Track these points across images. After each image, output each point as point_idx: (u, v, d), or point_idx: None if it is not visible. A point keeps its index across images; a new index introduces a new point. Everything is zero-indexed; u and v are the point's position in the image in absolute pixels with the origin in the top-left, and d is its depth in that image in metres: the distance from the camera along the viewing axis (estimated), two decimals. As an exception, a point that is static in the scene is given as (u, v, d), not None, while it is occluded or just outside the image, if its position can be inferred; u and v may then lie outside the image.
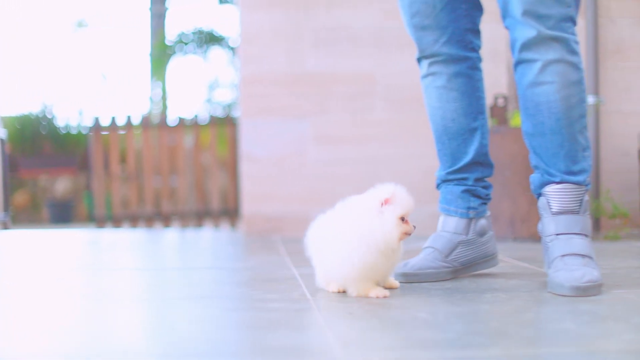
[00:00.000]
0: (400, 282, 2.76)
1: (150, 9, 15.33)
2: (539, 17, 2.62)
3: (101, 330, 2.08)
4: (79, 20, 15.70)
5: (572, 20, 2.68)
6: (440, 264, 2.92)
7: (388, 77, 5.42)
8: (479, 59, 3.00)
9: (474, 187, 3.02)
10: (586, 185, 2.76)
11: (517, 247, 4.20)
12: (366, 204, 2.47)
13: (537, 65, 2.67)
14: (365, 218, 2.44)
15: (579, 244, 2.67)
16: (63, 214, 10.84)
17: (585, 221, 2.73)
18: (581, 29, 5.44)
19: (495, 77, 5.31)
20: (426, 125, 5.25)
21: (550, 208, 2.73)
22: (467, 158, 3.02)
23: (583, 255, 2.63)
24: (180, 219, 8.88)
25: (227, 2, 13.87)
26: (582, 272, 2.53)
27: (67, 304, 2.52)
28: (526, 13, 2.62)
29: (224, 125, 8.91)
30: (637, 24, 5.49)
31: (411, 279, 2.84)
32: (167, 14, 15.41)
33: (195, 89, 20.85)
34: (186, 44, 13.31)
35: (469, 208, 3.01)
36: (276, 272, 3.22)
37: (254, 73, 5.39)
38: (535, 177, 2.81)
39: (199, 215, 8.91)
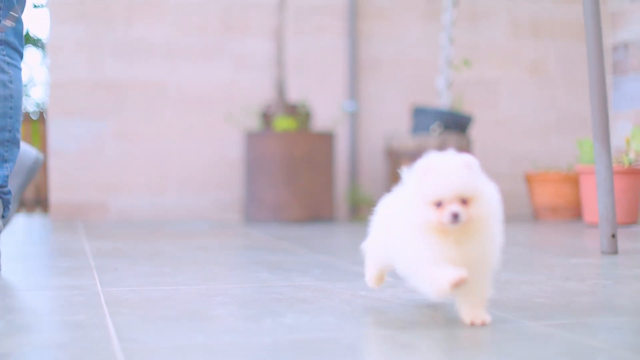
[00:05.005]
0: None
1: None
2: None
3: None
4: None
5: (5, 43, 2.98)
6: None
7: (178, 84, 6.30)
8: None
9: None
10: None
11: (279, 227, 5.17)
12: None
13: None
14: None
15: None
16: None
17: None
18: (342, 48, 6.50)
19: (263, 88, 6.30)
20: (207, 125, 6.20)
21: None
22: None
23: None
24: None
25: (42, 6, 14.31)
26: None
27: None
28: None
29: (38, 121, 9.54)
30: (387, 42, 6.60)
31: None
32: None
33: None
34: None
35: None
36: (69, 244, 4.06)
37: (60, 78, 6.15)
38: None
39: (12, 205, 9.51)
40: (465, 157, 1.93)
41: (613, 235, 3.61)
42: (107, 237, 4.58)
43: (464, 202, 1.89)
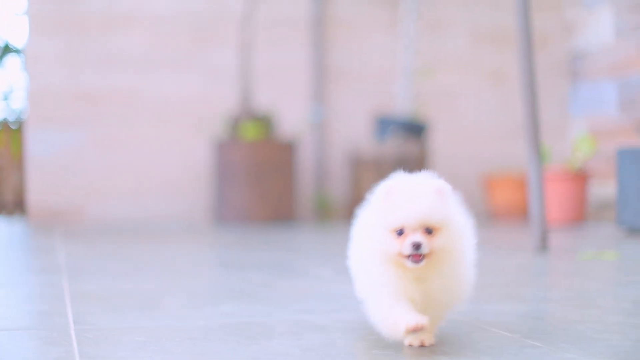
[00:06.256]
0: None
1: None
2: None
3: None
4: None
5: None
6: None
7: (152, 94, 6.61)
8: None
9: None
10: None
11: (245, 228, 5.50)
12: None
13: None
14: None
15: None
16: None
17: None
18: (308, 59, 6.82)
19: (232, 98, 6.62)
20: (180, 133, 6.52)
21: None
22: None
23: None
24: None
25: (19, 15, 14.57)
26: None
27: None
28: None
29: (19, 129, 9.83)
30: (351, 51, 6.93)
31: None
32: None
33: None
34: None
35: None
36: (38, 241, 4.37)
37: (40, 88, 6.46)
38: None
39: (-5, 208, 9.82)
40: (436, 182, 1.75)
41: (543, 235, 3.94)
42: (83, 240, 4.89)
43: (429, 232, 1.71)
